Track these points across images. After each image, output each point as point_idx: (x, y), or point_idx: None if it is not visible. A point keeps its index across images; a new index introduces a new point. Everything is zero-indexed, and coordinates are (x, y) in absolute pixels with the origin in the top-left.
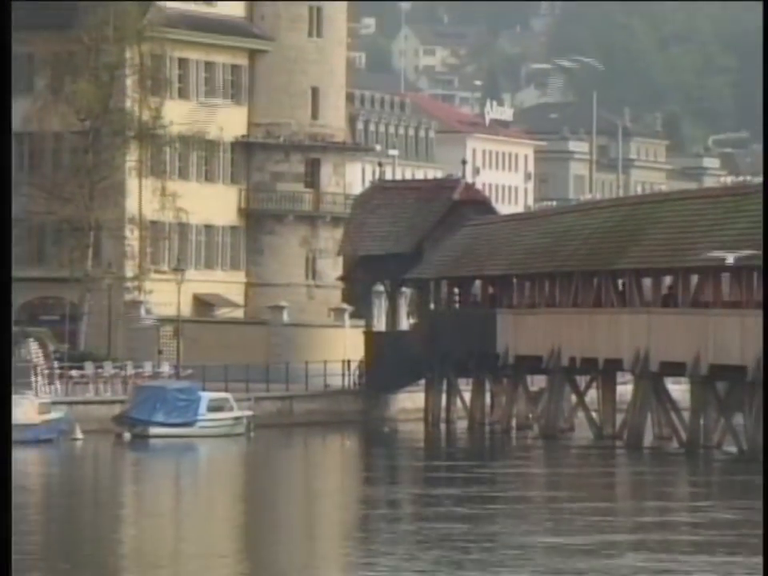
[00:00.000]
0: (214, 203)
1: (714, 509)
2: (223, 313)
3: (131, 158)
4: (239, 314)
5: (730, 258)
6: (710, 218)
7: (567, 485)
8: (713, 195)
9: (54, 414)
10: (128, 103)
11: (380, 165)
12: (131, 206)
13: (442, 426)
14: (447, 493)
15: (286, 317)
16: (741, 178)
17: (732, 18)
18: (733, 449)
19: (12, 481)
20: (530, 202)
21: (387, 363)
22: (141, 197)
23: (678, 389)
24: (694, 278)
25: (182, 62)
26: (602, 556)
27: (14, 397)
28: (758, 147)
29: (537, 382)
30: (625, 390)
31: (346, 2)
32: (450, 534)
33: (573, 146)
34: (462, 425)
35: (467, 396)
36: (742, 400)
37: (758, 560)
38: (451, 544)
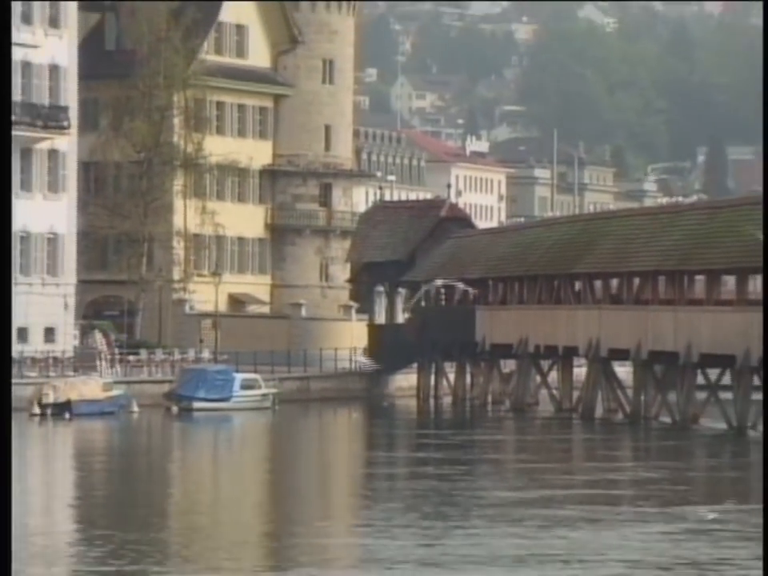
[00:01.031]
0: (245, 219)
1: (645, 468)
2: (253, 309)
3: (177, 182)
4: (266, 309)
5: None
6: (649, 231)
7: (531, 449)
8: (651, 213)
9: (115, 392)
10: (175, 138)
11: (380, 188)
12: (178, 221)
13: (431, 401)
14: (433, 456)
15: (303, 312)
16: (674, 199)
17: (666, 70)
18: (667, 419)
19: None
20: (503, 218)
21: (386, 350)
22: (185, 214)
23: (623, 370)
24: (636, 281)
25: (219, 105)
26: (548, 507)
27: (82, 377)
28: (690, 175)
29: (508, 365)
30: (580, 371)
31: (352, 55)
32: (429, 490)
33: (537, 172)
34: (447, 400)
35: (451, 377)
36: (674, 380)
37: (669, 510)
38: (430, 498)
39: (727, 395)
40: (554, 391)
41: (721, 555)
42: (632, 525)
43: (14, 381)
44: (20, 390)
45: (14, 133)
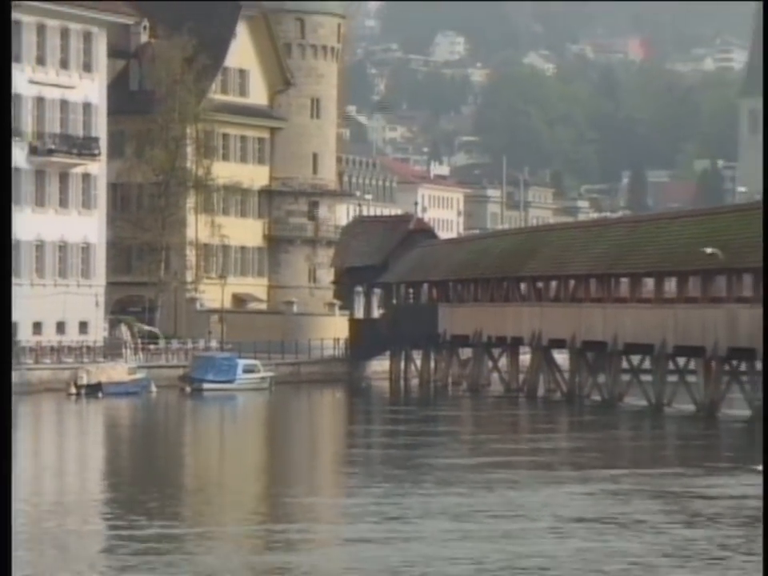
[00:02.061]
0: (246, 231)
1: (577, 439)
2: (253, 306)
3: (190, 200)
4: (263, 306)
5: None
6: (582, 241)
7: (482, 423)
8: (584, 226)
9: (138, 375)
10: (188, 164)
11: (359, 205)
12: (190, 233)
13: (401, 383)
14: (402, 428)
15: (295, 308)
16: (603, 214)
17: (596, 107)
18: (597, 398)
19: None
20: (461, 230)
21: (364, 340)
22: (197, 227)
23: (561, 357)
24: (572, 282)
25: (225, 136)
26: (491, 471)
27: (111, 363)
28: (616, 195)
29: (465, 353)
30: (525, 358)
31: (335, 95)
32: (397, 457)
33: (490, 192)
34: (414, 382)
35: (418, 362)
36: (603, 365)
37: (592, 473)
38: (397, 463)
39: (647, 377)
40: (504, 374)
41: (631, 510)
42: (560, 485)
43: (53, 366)
44: (59, 374)
45: (53, 159)
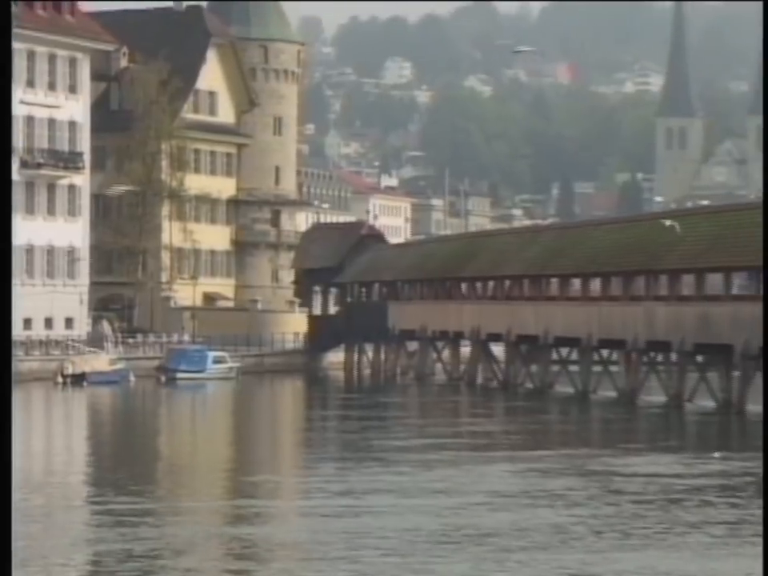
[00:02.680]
0: (216, 237)
1: (505, 423)
2: (221, 303)
3: (165, 209)
4: (231, 304)
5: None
6: (516, 245)
7: (426, 409)
8: (518, 232)
9: (119, 365)
10: (163, 176)
11: (317, 213)
12: (165, 238)
13: (355, 373)
14: (355, 414)
15: (259, 306)
16: (535, 222)
17: (529, 125)
18: (530, 386)
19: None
20: (408, 236)
21: (321, 334)
22: (171, 233)
23: (498, 349)
24: (507, 282)
25: (196, 151)
26: (427, 452)
27: (93, 354)
28: (547, 204)
29: (412, 346)
30: (465, 350)
31: (296, 114)
32: (348, 440)
33: (434, 201)
34: (366, 372)
35: (370, 354)
36: (535, 356)
37: (503, 454)
38: (348, 446)
39: (574, 368)
40: (446, 365)
41: (557, 486)
42: (493, 464)
43: (41, 357)
44: (47, 365)
45: (41, 172)
